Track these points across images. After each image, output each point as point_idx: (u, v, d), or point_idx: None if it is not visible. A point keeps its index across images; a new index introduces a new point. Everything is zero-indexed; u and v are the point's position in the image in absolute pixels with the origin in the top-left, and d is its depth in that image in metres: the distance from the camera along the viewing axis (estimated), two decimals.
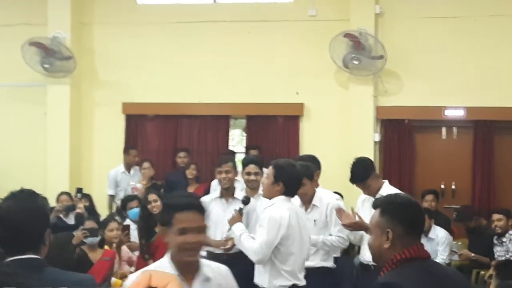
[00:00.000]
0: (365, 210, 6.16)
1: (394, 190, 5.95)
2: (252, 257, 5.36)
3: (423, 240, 8.32)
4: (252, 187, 7.04)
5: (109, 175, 10.97)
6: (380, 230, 3.25)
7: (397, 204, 3.33)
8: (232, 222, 5.79)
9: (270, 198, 5.46)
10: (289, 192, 5.43)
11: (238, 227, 5.64)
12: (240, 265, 6.64)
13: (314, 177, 6.59)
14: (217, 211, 6.81)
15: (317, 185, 6.71)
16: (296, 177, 5.51)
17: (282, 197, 5.39)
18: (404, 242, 3.15)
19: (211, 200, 7.04)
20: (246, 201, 5.95)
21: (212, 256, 6.64)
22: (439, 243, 8.65)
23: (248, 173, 7.05)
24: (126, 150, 11.10)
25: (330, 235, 6.37)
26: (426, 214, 8.90)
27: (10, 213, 2.90)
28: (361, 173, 6.32)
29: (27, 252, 2.89)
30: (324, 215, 6.37)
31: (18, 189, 3.07)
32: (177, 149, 11.29)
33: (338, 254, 6.92)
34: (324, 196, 6.57)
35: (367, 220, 5.68)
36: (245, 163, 7.25)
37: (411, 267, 3.10)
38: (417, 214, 3.34)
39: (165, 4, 11.93)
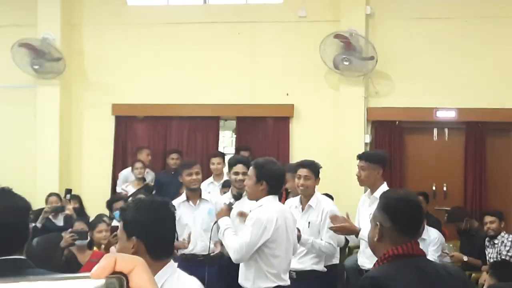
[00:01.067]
0: (365, 209, 6.22)
1: None
2: (231, 254, 5.30)
3: None
4: (239, 187, 6.99)
5: (120, 174, 11.06)
6: (374, 222, 3.29)
7: (391, 199, 3.36)
8: (219, 215, 5.70)
9: (256, 200, 5.38)
10: (273, 190, 5.35)
11: (224, 221, 5.53)
12: (218, 264, 6.64)
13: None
14: (186, 214, 6.81)
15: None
16: (278, 174, 5.44)
17: (270, 197, 5.30)
18: (392, 237, 3.17)
19: (179, 204, 6.96)
20: (237, 196, 5.87)
21: (189, 258, 6.66)
22: (431, 243, 8.61)
23: (236, 173, 7.01)
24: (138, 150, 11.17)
25: (321, 239, 6.31)
26: None
27: None
28: (368, 153, 6.37)
29: (14, 253, 2.82)
30: (319, 219, 6.29)
31: None
32: (169, 150, 11.26)
33: (337, 261, 7.01)
34: (322, 199, 6.52)
35: (366, 220, 5.70)
36: (232, 163, 7.22)
37: (401, 263, 3.10)
38: (410, 212, 3.29)
39: (155, 5, 11.94)
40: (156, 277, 2.79)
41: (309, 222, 6.32)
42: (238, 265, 5.49)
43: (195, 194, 7.04)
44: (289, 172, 6.86)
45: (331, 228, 5.90)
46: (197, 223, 6.76)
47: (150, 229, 3.13)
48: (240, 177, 6.93)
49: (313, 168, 6.40)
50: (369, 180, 6.22)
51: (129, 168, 10.82)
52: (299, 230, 6.17)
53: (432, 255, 8.50)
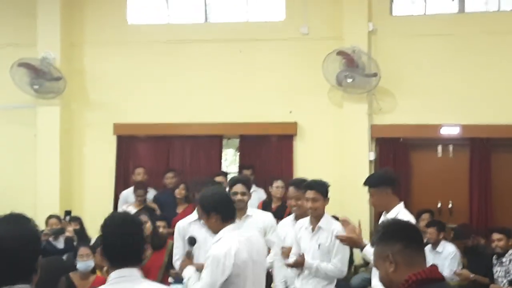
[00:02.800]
0: None
1: (404, 213, 5.73)
2: None
3: (429, 254, 8.24)
4: (238, 207, 6.88)
5: (121, 194, 10.98)
6: (381, 260, 3.15)
7: (383, 228, 3.27)
8: (183, 266, 5.46)
9: (217, 233, 5.16)
10: (227, 217, 5.11)
11: (187, 272, 5.34)
12: None
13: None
14: (198, 233, 6.54)
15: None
16: (222, 199, 5.25)
17: (228, 227, 5.08)
18: (406, 259, 3.07)
19: (190, 224, 6.84)
20: (192, 242, 5.69)
21: None
22: (447, 258, 8.60)
23: (235, 193, 6.90)
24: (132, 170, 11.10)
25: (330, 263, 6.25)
26: (435, 226, 8.86)
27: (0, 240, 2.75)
28: (371, 178, 6.12)
29: (18, 282, 2.72)
30: (329, 240, 6.19)
31: (7, 213, 2.90)
32: (165, 170, 11.17)
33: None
34: (331, 220, 6.41)
35: None
36: (231, 183, 7.12)
37: None
38: (406, 228, 3.24)
39: (156, 23, 11.97)
40: (110, 276, 3.43)
41: (319, 244, 6.23)
42: None
43: (240, 211, 6.94)
44: (293, 187, 6.81)
45: (337, 237, 5.80)
46: (208, 241, 6.60)
47: (105, 241, 3.48)
48: (238, 197, 6.84)
49: (321, 188, 6.30)
50: (382, 204, 6.08)
51: (130, 189, 10.71)
52: (303, 254, 6.16)
53: (447, 268, 8.46)
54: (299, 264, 6.11)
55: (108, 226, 3.52)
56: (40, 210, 10.46)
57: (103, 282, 7.12)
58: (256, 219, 6.97)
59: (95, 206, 11.31)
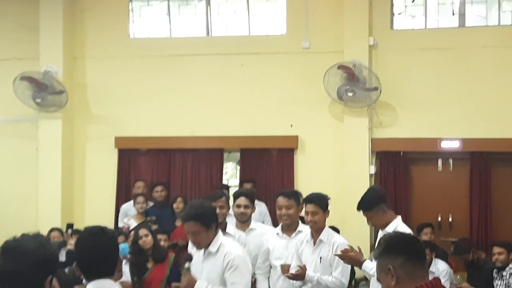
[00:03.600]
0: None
1: (402, 227, 5.76)
2: None
3: None
4: (241, 220, 6.99)
5: (121, 208, 10.98)
6: (383, 273, 3.16)
7: (385, 241, 3.26)
8: (189, 285, 5.32)
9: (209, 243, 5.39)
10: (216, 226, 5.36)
11: (201, 285, 5.27)
12: None
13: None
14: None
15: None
16: (211, 208, 5.55)
17: (220, 232, 5.46)
18: (408, 271, 3.07)
19: None
20: (189, 258, 5.68)
21: None
22: (439, 276, 8.51)
23: (238, 206, 6.97)
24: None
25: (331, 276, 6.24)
26: (427, 247, 8.81)
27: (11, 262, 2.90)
28: (364, 202, 6.14)
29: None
30: (330, 253, 6.19)
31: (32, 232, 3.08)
32: (153, 183, 11.06)
33: None
34: (332, 233, 6.43)
35: None
36: (235, 196, 7.18)
37: None
38: (408, 241, 3.26)
39: (158, 37, 12.01)
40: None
41: (320, 258, 6.22)
42: None
43: (220, 227, 6.94)
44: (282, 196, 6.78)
45: (336, 255, 5.84)
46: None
47: (79, 255, 3.62)
48: (242, 209, 6.94)
49: (320, 201, 6.30)
50: (380, 222, 6.12)
51: (130, 202, 10.71)
52: (304, 266, 6.15)
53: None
54: (300, 277, 6.10)
55: (82, 241, 3.63)
56: (42, 223, 10.55)
57: None
58: (259, 232, 7.00)
59: (97, 219, 11.17)
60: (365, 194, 6.29)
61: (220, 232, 5.37)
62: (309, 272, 6.11)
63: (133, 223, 9.85)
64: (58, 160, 11.59)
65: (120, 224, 10.49)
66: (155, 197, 10.66)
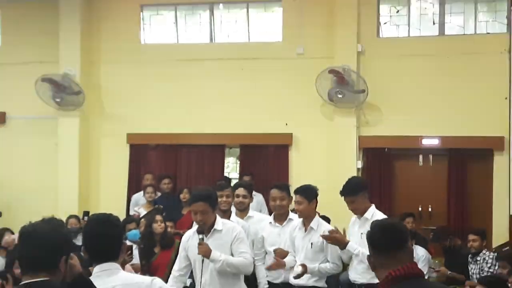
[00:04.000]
0: (354, 231, 6.16)
1: (379, 214, 5.88)
2: (248, 268, 5.47)
3: None
4: (240, 208, 7.01)
5: (132, 197, 10.98)
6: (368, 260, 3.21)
7: (369, 231, 3.22)
8: (206, 253, 5.37)
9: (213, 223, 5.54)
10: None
11: (216, 254, 5.34)
12: None
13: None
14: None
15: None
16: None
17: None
18: (379, 262, 3.06)
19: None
20: (202, 231, 5.76)
21: None
22: (418, 261, 8.55)
23: (237, 196, 7.00)
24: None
25: (327, 261, 6.22)
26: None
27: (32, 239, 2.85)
28: (350, 188, 6.21)
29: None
30: (321, 240, 6.13)
31: (46, 216, 3.00)
32: (161, 176, 10.97)
33: None
34: (323, 222, 6.44)
35: (355, 239, 5.92)
36: (234, 187, 7.21)
37: (406, 285, 2.96)
38: (380, 233, 3.15)
39: (166, 43, 12.00)
40: (94, 271, 3.44)
41: (311, 243, 6.22)
42: None
43: (224, 215, 6.84)
44: (275, 189, 6.80)
45: (322, 236, 5.90)
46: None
47: (85, 240, 3.58)
48: (240, 199, 6.95)
49: (306, 193, 6.29)
50: (360, 208, 6.18)
51: (141, 192, 10.68)
52: (304, 265, 6.10)
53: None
54: (302, 274, 6.09)
55: (88, 227, 3.62)
56: (61, 211, 10.46)
57: None
58: (256, 219, 7.07)
59: (110, 207, 11.09)
60: (350, 180, 6.36)
61: (217, 215, 5.54)
62: (310, 266, 6.10)
63: (142, 212, 9.87)
64: (75, 154, 11.66)
65: (131, 212, 10.49)
66: (163, 188, 10.64)
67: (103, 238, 3.41)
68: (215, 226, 5.44)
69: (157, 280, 3.48)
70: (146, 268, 7.22)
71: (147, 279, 3.51)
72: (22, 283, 2.79)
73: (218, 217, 5.52)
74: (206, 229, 5.44)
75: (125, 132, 11.76)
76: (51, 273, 2.80)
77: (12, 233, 8.08)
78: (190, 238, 5.56)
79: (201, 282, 5.47)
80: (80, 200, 11.56)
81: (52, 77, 11.23)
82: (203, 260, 5.41)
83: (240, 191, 6.99)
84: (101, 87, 11.94)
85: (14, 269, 6.23)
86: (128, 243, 8.07)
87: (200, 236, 5.46)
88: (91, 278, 3.34)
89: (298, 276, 6.09)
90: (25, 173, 11.95)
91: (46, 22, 11.85)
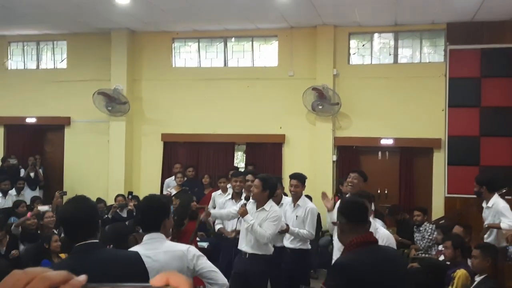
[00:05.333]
0: (289, 213, 6.46)
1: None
2: (262, 240, 5.36)
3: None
4: (250, 189, 7.04)
5: (165, 181, 10.93)
6: (337, 221, 3.26)
7: (342, 203, 3.34)
8: (243, 214, 5.44)
9: (264, 204, 5.47)
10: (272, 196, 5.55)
11: (249, 218, 5.40)
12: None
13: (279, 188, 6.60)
14: (231, 207, 6.66)
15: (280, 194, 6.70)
16: (275, 183, 5.66)
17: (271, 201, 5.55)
18: (348, 228, 3.08)
19: (226, 200, 7.04)
20: (247, 198, 5.87)
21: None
22: (377, 229, 8.60)
23: (247, 180, 7.04)
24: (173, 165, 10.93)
25: (305, 229, 6.31)
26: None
27: (71, 213, 2.75)
28: (302, 176, 6.54)
29: (87, 239, 2.70)
30: (303, 214, 6.28)
31: (75, 195, 2.93)
32: (186, 165, 10.90)
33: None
34: (306, 200, 6.51)
35: (291, 221, 6.26)
36: (245, 173, 7.23)
37: (361, 250, 2.99)
38: (354, 208, 3.18)
39: (191, 67, 11.95)
40: (144, 239, 3.23)
41: (296, 216, 6.33)
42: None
43: (237, 195, 7.02)
44: (250, 175, 6.78)
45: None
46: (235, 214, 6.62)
47: (138, 214, 3.41)
48: (249, 183, 6.94)
49: (300, 178, 6.40)
50: (299, 194, 6.38)
51: (172, 177, 10.73)
52: (287, 225, 6.20)
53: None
54: (286, 231, 6.21)
55: (141, 204, 3.51)
56: (111, 191, 10.70)
57: None
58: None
59: (148, 188, 11.17)
60: (301, 174, 6.55)
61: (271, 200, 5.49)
62: (291, 228, 6.18)
63: (173, 192, 10.00)
64: (122, 148, 11.68)
65: (164, 192, 10.57)
66: (188, 175, 10.64)
67: (151, 212, 3.27)
68: (264, 206, 5.46)
69: (192, 248, 3.30)
70: (176, 234, 7.00)
71: (184, 247, 3.29)
72: (79, 244, 2.69)
73: (270, 201, 5.47)
74: (257, 203, 5.49)
75: (160, 132, 11.76)
76: (95, 236, 2.77)
77: None
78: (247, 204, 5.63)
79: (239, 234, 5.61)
80: (126, 182, 11.59)
81: (105, 91, 11.29)
82: (238, 218, 5.55)
83: (250, 177, 6.89)
84: (142, 98, 11.95)
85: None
86: None
87: (244, 201, 5.61)
88: (141, 244, 3.26)
89: (282, 231, 6.12)
90: (84, 162, 11.99)
91: (101, 49, 11.86)
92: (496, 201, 6.61)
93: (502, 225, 6.32)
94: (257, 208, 5.57)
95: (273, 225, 5.35)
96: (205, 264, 3.19)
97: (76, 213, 2.72)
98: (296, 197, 6.42)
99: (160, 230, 3.24)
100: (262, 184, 5.46)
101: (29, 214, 7.50)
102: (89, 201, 2.85)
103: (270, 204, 5.46)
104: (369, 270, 2.94)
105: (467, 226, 7.06)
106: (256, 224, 5.34)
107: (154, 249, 3.15)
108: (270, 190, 5.46)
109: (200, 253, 3.25)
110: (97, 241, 2.74)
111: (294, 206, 6.40)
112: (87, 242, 2.67)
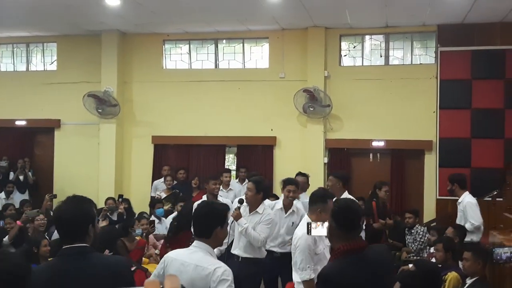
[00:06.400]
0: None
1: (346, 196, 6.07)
2: (256, 243, 5.26)
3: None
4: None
5: (154, 183, 10.86)
6: (328, 223, 3.19)
7: (335, 207, 3.20)
8: (236, 218, 5.34)
9: (257, 206, 5.43)
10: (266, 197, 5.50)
11: (243, 221, 5.31)
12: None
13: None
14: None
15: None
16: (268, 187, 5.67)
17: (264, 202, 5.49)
18: (338, 234, 3.02)
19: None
20: (241, 201, 5.79)
21: None
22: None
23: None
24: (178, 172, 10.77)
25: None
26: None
27: (64, 213, 2.66)
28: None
29: (76, 242, 2.60)
30: (298, 220, 6.05)
31: (71, 195, 2.80)
32: (177, 168, 10.86)
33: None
34: (300, 206, 6.35)
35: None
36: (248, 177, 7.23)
37: (345, 261, 2.92)
38: (345, 215, 3.07)
39: (182, 68, 11.89)
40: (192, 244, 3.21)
41: (292, 223, 6.09)
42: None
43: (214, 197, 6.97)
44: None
45: None
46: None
47: (180, 221, 3.36)
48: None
49: (297, 184, 6.34)
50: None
51: (160, 179, 10.63)
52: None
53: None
54: (238, 217, 6.01)
55: (197, 210, 3.38)
56: (101, 194, 10.60)
57: (144, 243, 7.18)
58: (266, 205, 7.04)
59: (138, 192, 11.35)
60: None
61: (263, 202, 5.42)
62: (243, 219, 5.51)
63: (163, 195, 9.92)
64: (112, 151, 11.60)
65: (153, 194, 10.49)
66: (178, 177, 10.62)
67: (206, 219, 3.22)
68: (257, 209, 5.38)
69: (219, 269, 3.10)
70: (171, 239, 7.08)
71: (212, 266, 3.10)
72: (66, 246, 2.64)
73: (262, 204, 5.40)
74: (250, 206, 5.41)
75: (150, 135, 11.69)
76: (84, 241, 2.65)
77: None
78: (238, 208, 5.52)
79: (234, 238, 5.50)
80: (116, 185, 11.50)
81: (96, 93, 11.20)
82: (232, 221, 5.41)
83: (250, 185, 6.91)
84: (133, 101, 11.87)
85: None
86: (152, 218, 8.16)
87: (238, 204, 5.49)
88: (188, 248, 3.22)
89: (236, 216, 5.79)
90: (75, 165, 11.90)
91: (92, 51, 11.78)
92: (464, 198, 7.14)
93: (466, 226, 6.81)
94: (250, 212, 5.48)
95: (266, 228, 5.29)
96: None
97: (65, 213, 2.63)
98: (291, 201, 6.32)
99: (211, 238, 3.18)
100: (255, 187, 5.39)
101: (18, 222, 7.40)
102: (84, 203, 2.72)
103: (263, 207, 5.40)
104: (350, 282, 2.89)
105: (461, 228, 7.00)
106: (250, 227, 5.27)
107: (191, 259, 3.13)
108: (264, 193, 5.41)
109: (226, 277, 3.08)
110: (83, 245, 2.62)
111: (286, 212, 6.28)
112: (73, 246, 2.59)
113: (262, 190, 5.37)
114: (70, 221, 2.61)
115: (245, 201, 5.63)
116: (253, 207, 5.45)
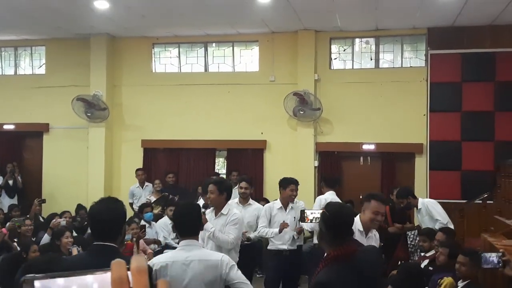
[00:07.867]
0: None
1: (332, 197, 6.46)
2: (226, 245, 5.12)
3: (363, 239, 8.22)
4: (244, 197, 6.99)
5: (129, 189, 10.76)
6: (319, 227, 3.17)
7: (327, 211, 3.13)
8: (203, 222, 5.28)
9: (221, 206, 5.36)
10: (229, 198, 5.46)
11: (209, 226, 5.15)
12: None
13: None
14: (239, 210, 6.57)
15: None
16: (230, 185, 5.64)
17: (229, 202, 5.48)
18: (328, 239, 2.98)
19: (234, 203, 6.83)
20: (206, 207, 5.68)
21: None
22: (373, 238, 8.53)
23: (241, 187, 6.98)
24: (136, 171, 10.80)
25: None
26: None
27: (100, 213, 2.83)
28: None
29: (107, 241, 2.77)
30: (298, 214, 6.18)
31: (107, 196, 3.03)
32: (167, 171, 10.83)
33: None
34: (297, 203, 6.74)
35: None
36: (239, 181, 7.21)
37: (334, 268, 2.89)
38: (336, 221, 3.03)
39: (171, 72, 11.86)
40: (180, 244, 3.41)
41: (294, 218, 6.53)
42: None
43: (244, 200, 7.03)
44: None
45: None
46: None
47: (175, 220, 3.68)
48: (243, 190, 6.94)
49: (297, 184, 6.84)
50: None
51: (135, 184, 10.56)
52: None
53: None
54: (284, 226, 6.39)
55: (177, 211, 3.68)
56: (90, 197, 10.37)
57: (132, 247, 7.08)
58: (254, 207, 7.03)
59: (127, 196, 11.27)
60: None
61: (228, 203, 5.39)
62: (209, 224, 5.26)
63: (153, 198, 9.85)
64: (101, 155, 11.51)
65: (130, 201, 10.33)
66: (168, 181, 10.58)
67: (189, 218, 3.45)
68: (222, 211, 5.29)
69: (225, 257, 3.39)
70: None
71: (218, 256, 3.39)
72: (96, 243, 2.79)
73: (227, 204, 5.32)
74: (216, 208, 5.33)
75: (140, 139, 11.62)
76: (116, 240, 2.82)
77: (60, 217, 7.96)
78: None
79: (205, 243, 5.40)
80: (105, 189, 11.39)
81: (85, 97, 11.12)
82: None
83: (243, 184, 6.94)
84: (122, 104, 11.81)
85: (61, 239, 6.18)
86: (142, 223, 8.05)
87: (203, 210, 5.36)
88: (177, 249, 3.38)
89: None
90: (63, 169, 11.80)
91: (80, 55, 11.70)
92: (423, 201, 7.30)
93: (436, 226, 6.88)
94: (215, 215, 5.33)
95: (234, 228, 5.16)
96: (235, 276, 3.28)
97: (102, 214, 2.81)
98: (292, 200, 6.76)
99: (198, 236, 3.47)
100: (217, 188, 5.24)
101: (4, 230, 7.28)
102: (119, 204, 2.91)
103: (228, 208, 5.30)
104: None
105: (450, 231, 6.94)
106: (217, 230, 5.13)
107: (190, 256, 3.28)
108: (227, 193, 5.29)
109: (233, 263, 3.35)
110: (112, 245, 2.79)
111: (285, 208, 6.68)
112: (102, 244, 2.76)
113: (224, 190, 5.23)
114: (107, 221, 2.79)
115: (208, 205, 5.53)
116: (218, 209, 5.32)
